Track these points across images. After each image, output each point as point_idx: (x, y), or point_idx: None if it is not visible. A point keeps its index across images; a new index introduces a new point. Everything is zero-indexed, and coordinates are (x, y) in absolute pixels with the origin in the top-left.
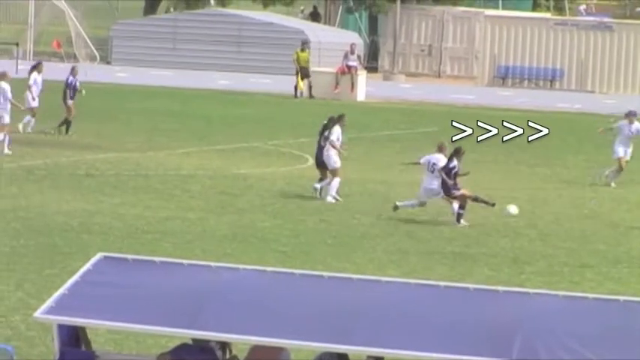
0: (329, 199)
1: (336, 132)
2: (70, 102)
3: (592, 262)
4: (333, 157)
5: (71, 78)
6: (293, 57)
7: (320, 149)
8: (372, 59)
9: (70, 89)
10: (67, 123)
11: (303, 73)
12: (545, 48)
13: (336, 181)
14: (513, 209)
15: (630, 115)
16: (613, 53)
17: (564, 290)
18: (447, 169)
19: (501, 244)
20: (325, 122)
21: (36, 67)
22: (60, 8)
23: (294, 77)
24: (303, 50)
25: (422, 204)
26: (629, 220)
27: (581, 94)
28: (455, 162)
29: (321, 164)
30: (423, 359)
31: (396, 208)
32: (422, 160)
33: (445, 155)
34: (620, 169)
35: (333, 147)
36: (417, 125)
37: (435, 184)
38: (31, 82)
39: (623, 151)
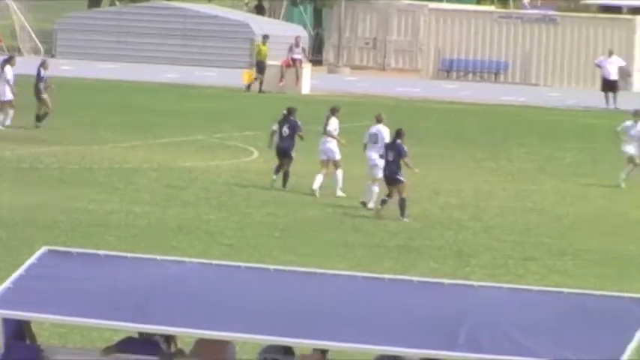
0: (339, 192)
1: (334, 123)
2: (44, 95)
3: (536, 254)
4: (333, 149)
5: (43, 71)
6: (255, 50)
7: (282, 139)
8: (317, 52)
9: (42, 83)
10: (44, 116)
11: (261, 67)
12: (490, 41)
13: (340, 173)
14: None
15: (636, 115)
16: (557, 46)
17: (509, 283)
18: (398, 149)
19: (446, 237)
20: (285, 112)
21: (8, 61)
22: (4, 1)
23: (252, 70)
24: (264, 44)
25: (374, 181)
26: (573, 213)
27: (525, 87)
28: (401, 143)
29: (282, 154)
30: (368, 352)
31: (364, 204)
32: (365, 140)
33: (384, 125)
34: (633, 165)
35: (333, 137)
36: (362, 118)
37: (373, 155)
38: (8, 76)
39: (632, 149)
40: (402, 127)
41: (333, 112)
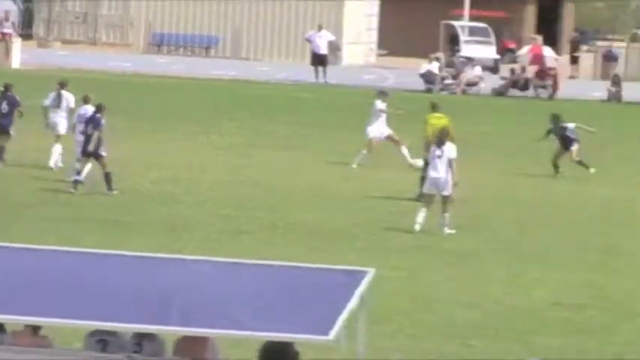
0: (51, 164)
1: (69, 97)
2: None
3: (249, 228)
4: (64, 124)
5: None
6: None
7: (2, 116)
8: (27, 26)
9: None
10: None
11: None
12: (201, 15)
13: (58, 148)
14: (420, 162)
15: (381, 95)
16: (267, 21)
17: (222, 257)
18: (97, 123)
19: (158, 211)
20: (2, 89)
21: None
22: None
23: None
24: None
25: (79, 159)
26: (285, 186)
27: (235, 61)
28: (100, 117)
29: (1, 130)
30: (79, 327)
31: (76, 184)
32: (74, 120)
33: (91, 105)
34: (369, 149)
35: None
36: (74, 93)
37: (79, 135)
38: None
39: (373, 130)
40: (102, 102)
41: (62, 86)
